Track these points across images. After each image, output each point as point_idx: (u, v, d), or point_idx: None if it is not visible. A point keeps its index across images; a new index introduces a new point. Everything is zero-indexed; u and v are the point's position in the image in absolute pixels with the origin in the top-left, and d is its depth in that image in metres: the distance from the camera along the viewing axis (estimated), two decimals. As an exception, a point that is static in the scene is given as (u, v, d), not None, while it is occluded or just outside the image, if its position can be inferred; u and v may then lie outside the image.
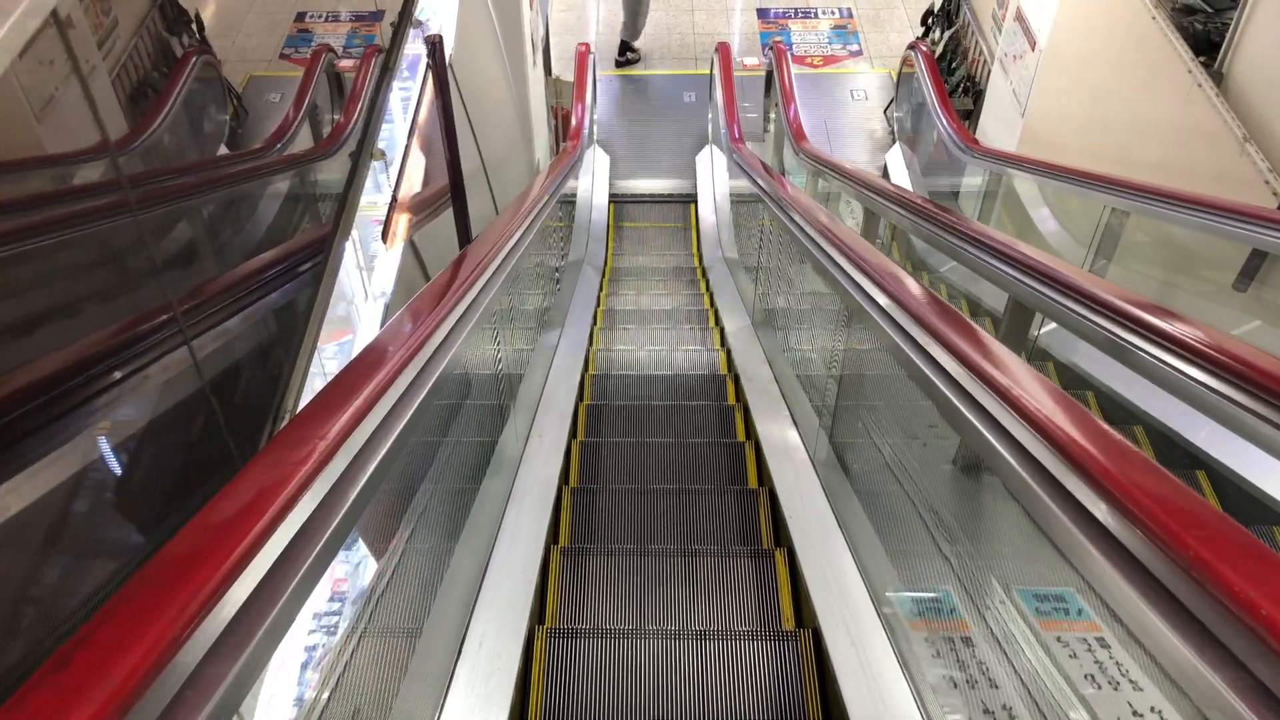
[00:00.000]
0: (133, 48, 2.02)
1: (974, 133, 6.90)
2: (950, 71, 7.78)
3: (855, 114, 9.13)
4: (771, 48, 7.85)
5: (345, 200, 2.52)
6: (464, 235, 3.74)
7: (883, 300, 2.34)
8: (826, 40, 9.95)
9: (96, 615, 0.77)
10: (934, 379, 1.82)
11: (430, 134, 3.59)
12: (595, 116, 8.62)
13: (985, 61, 7.30)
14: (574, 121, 6.87)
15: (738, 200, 7.20)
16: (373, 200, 2.98)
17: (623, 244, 7.48)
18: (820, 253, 2.98)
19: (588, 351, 4.69)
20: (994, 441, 1.46)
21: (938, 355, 1.82)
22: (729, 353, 4.81)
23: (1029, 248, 2.70)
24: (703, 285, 6.41)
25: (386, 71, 2.95)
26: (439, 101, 3.32)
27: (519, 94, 6.21)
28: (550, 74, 8.48)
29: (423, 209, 3.73)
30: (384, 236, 2.76)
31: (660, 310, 5.70)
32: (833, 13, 10.33)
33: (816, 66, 9.63)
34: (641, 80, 9.53)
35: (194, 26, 2.40)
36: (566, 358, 4.36)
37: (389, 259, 3.34)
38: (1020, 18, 6.36)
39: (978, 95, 7.43)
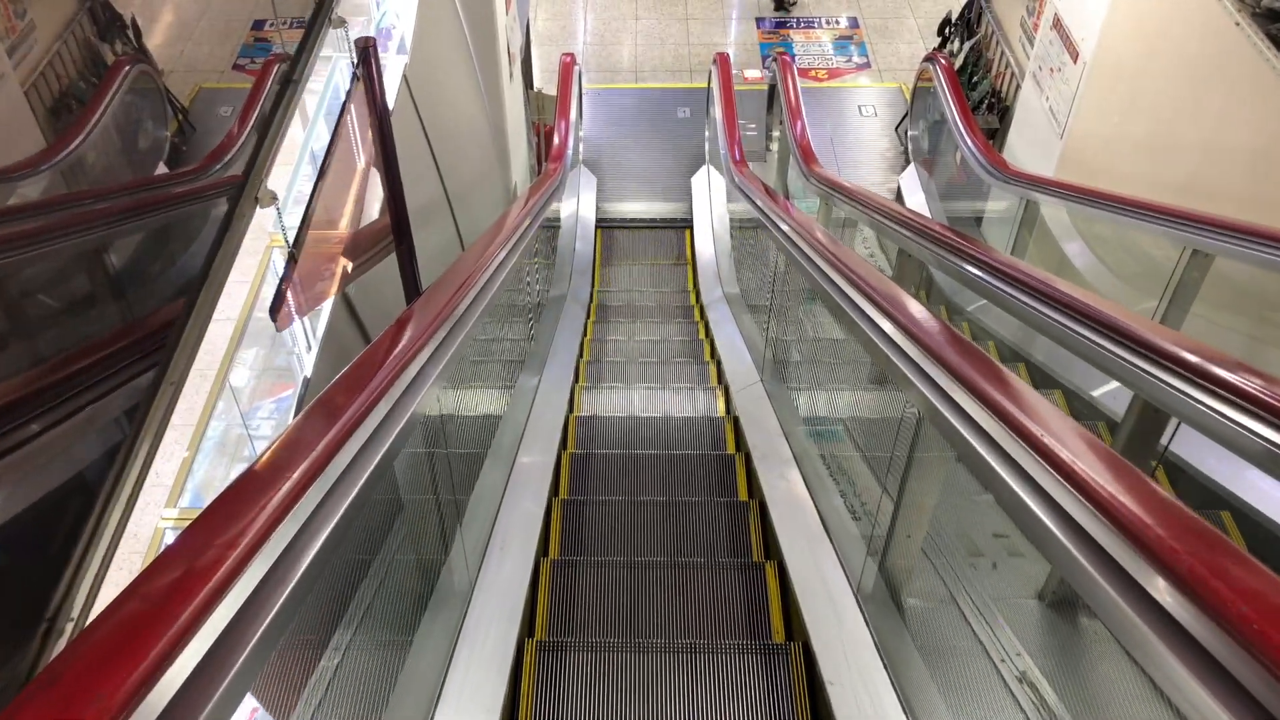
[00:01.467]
0: (54, 55, 1.88)
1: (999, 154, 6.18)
2: (971, 86, 7.07)
3: (863, 131, 8.41)
4: (775, 59, 7.13)
5: (211, 263, 1.76)
6: (411, 285, 2.98)
7: (968, 404, 1.60)
8: (831, 52, 9.25)
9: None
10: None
11: (364, 162, 2.83)
12: (581, 134, 7.88)
13: (1013, 75, 6.60)
14: (556, 141, 6.12)
15: (739, 226, 6.47)
16: (264, 259, 2.23)
17: (610, 277, 6.72)
18: (876, 332, 2.22)
19: (566, 419, 3.92)
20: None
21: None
22: (736, 421, 4.05)
23: (1169, 332, 1.96)
24: (701, 329, 5.65)
25: (290, 85, 2.21)
26: (374, 121, 2.56)
27: (493, 110, 5.46)
28: (532, 87, 7.74)
29: (357, 254, 2.97)
30: (274, 310, 2.00)
31: (652, 362, 4.94)
32: (837, 22, 9.63)
33: (821, 80, 8.92)
34: (631, 94, 8.80)
35: (130, 32, 2.15)
36: (539, 437, 3.58)
37: (297, 337, 2.59)
38: (1058, 26, 5.65)
39: (1004, 112, 6.72)
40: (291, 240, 2.10)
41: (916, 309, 2.12)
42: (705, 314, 5.70)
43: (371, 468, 1.46)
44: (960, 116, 6.38)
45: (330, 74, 3.15)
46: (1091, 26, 5.19)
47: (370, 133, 2.65)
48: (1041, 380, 4.68)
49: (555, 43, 9.54)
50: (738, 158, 6.04)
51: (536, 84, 8.32)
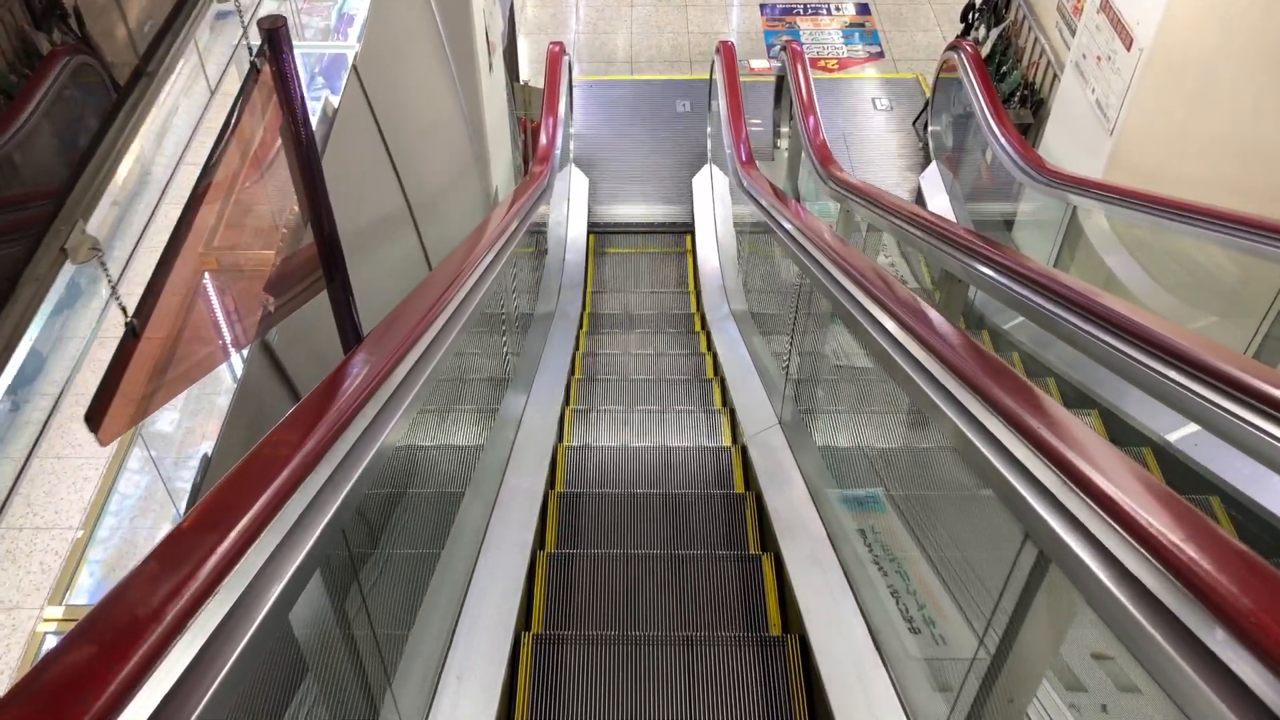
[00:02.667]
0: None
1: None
2: (999, 77, 6.43)
3: (877, 126, 7.77)
4: (784, 48, 6.48)
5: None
6: (348, 328, 2.35)
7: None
8: (841, 40, 8.60)
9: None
10: None
11: (276, 176, 2.20)
12: (572, 130, 7.23)
13: (1049, 65, 5.96)
14: (543, 140, 5.47)
15: (746, 230, 5.84)
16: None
17: (604, 289, 6.08)
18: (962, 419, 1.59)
19: (545, 497, 3.28)
20: None
21: None
22: (753, 477, 3.42)
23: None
24: (707, 354, 5.01)
25: (139, 81, 1.58)
26: (288, 124, 1.93)
27: (469, 106, 4.82)
28: (518, 80, 7.08)
29: (278, 292, 2.34)
30: (93, 421, 1.36)
31: (651, 401, 4.31)
32: (847, 8, 8.97)
33: (831, 70, 8.27)
34: (627, 87, 8.15)
35: (71, 21, 1.89)
36: (516, 508, 2.95)
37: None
38: (1107, 9, 5.01)
39: (1038, 106, 6.08)
40: (137, 304, 1.46)
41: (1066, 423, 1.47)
42: (710, 334, 5.06)
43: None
44: (991, 111, 5.75)
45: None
46: (1150, 9, 4.55)
47: (283, 140, 2.02)
48: (1076, 399, 4.07)
49: (545, 31, 8.88)
50: (744, 158, 5.40)
51: (523, 76, 7.66)
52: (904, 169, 7.38)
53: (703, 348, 5.31)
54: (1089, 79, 5.25)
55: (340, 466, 1.36)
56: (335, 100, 3.11)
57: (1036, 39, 6.15)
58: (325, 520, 1.24)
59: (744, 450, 3.78)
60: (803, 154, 6.23)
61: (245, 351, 2.38)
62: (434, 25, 4.41)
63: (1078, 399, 4.01)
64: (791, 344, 3.53)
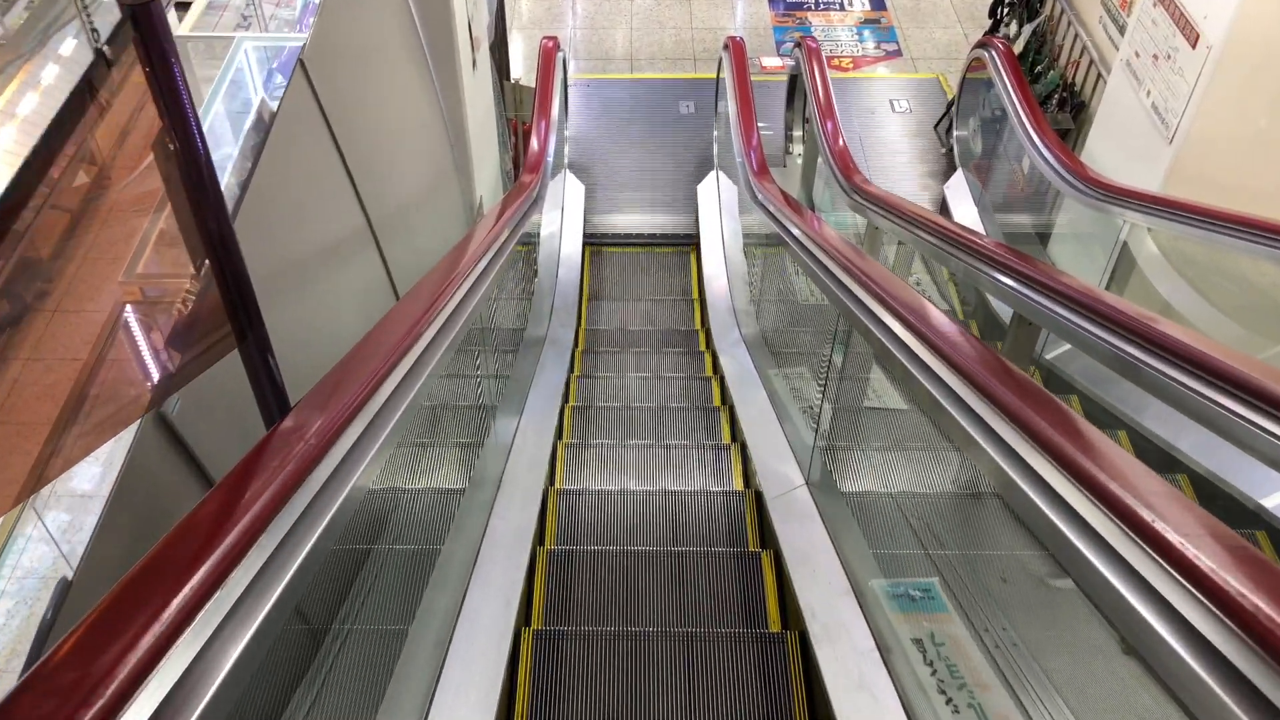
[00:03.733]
0: None
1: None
2: (1033, 78, 5.88)
3: (895, 130, 7.22)
4: (799, 45, 5.93)
5: None
6: (268, 393, 1.80)
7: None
8: (855, 37, 8.04)
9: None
10: None
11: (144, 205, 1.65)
12: (567, 133, 6.68)
13: (1092, 64, 5.41)
14: (533, 145, 4.92)
15: (757, 244, 5.29)
16: None
17: (600, 306, 5.53)
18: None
19: (533, 556, 2.73)
20: None
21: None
22: (771, 538, 2.88)
23: None
24: (713, 377, 4.46)
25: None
26: (166, 134, 1.38)
27: (449, 107, 4.26)
28: (509, 78, 6.53)
29: (191, 342, 1.79)
30: None
31: (652, 434, 3.75)
32: (861, 3, 8.42)
33: (845, 70, 7.72)
34: (626, 86, 7.59)
35: None
36: (497, 580, 2.40)
37: None
38: (1166, 2, 4.46)
39: (1078, 109, 5.53)
40: None
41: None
42: (720, 367, 4.50)
43: None
44: (1027, 114, 5.20)
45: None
46: (1220, 2, 4.00)
47: (155, 156, 1.47)
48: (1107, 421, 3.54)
49: (539, 26, 8.32)
50: (756, 167, 4.84)
51: (516, 74, 7.11)
52: (925, 176, 6.83)
53: (708, 370, 4.76)
54: (1143, 80, 4.70)
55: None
56: (275, 102, 2.55)
57: (1077, 36, 5.60)
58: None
59: (758, 497, 3.23)
60: (819, 161, 5.68)
61: (133, 430, 1.82)
62: (409, 17, 3.86)
63: (1148, 451, 3.47)
64: (823, 393, 2.97)
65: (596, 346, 4.99)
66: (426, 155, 4.12)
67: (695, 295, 5.73)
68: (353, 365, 1.75)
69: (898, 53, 7.88)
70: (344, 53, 3.02)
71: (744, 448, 3.64)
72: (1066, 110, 5.54)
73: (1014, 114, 5.35)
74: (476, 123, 4.66)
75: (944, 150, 6.92)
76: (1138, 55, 4.75)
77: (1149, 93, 4.64)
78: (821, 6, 8.36)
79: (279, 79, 2.68)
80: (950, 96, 7.28)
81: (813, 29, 8.13)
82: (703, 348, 5.05)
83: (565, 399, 4.21)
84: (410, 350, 1.86)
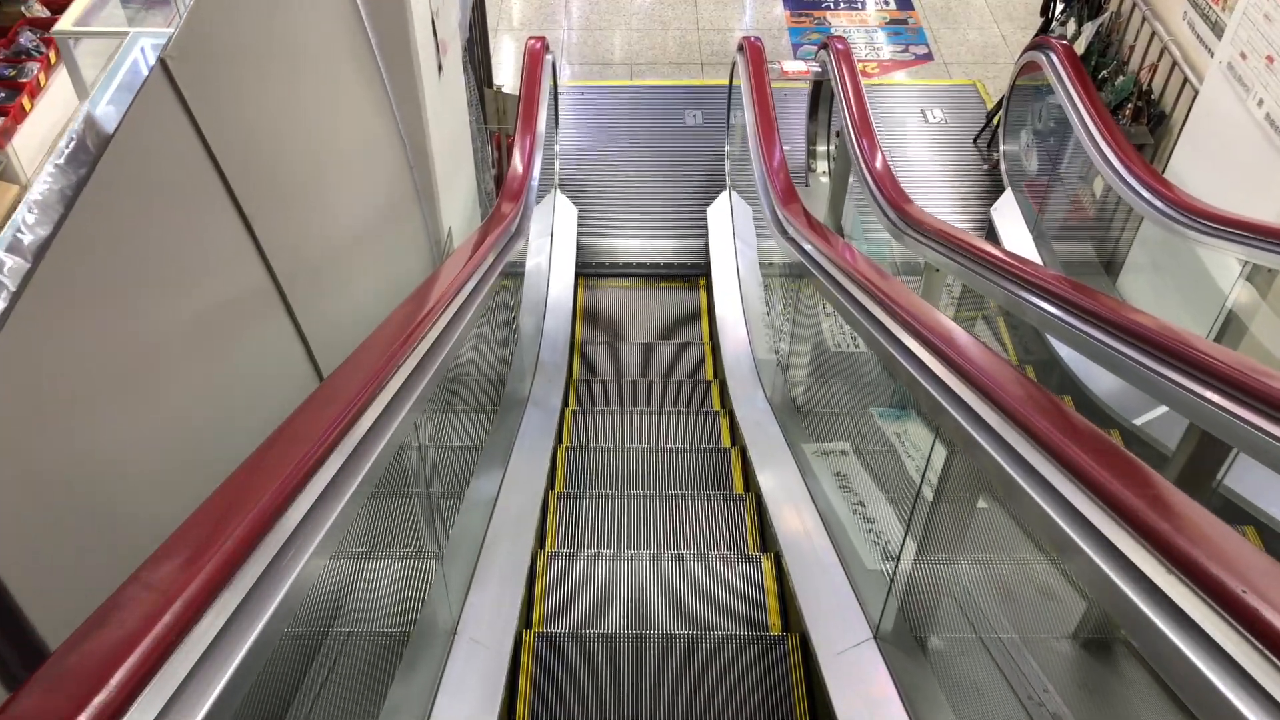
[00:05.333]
0: None
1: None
2: (1098, 84, 5.06)
3: (929, 143, 6.40)
4: (825, 46, 5.12)
5: None
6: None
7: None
8: (882, 39, 7.23)
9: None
10: None
11: None
12: (557, 149, 5.85)
13: (1175, 67, 4.59)
14: (516, 165, 4.10)
15: (778, 275, 4.48)
16: None
17: (595, 356, 4.70)
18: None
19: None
20: None
21: None
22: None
23: None
24: (733, 449, 3.62)
25: None
26: None
27: (407, 121, 3.43)
28: (491, 85, 5.70)
29: None
30: None
31: (660, 539, 2.92)
32: (886, 2, 7.61)
33: (870, 75, 6.90)
34: (625, 94, 6.77)
35: None
36: None
37: None
38: (1287, -9, 3.64)
39: (1158, 121, 4.70)
40: None
41: None
42: (741, 437, 3.66)
43: None
44: (1099, 128, 4.40)
45: None
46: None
47: None
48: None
49: (530, 28, 7.52)
50: (781, 191, 4.00)
51: (503, 81, 6.28)
52: (965, 197, 6.01)
53: (724, 437, 3.93)
54: (1251, 86, 3.88)
55: None
56: (113, 122, 1.71)
57: (1153, 35, 4.78)
58: None
59: (805, 647, 2.40)
60: (853, 183, 4.86)
61: None
62: (352, 11, 3.04)
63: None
64: (907, 529, 2.13)
65: (590, 404, 4.16)
66: (376, 180, 3.29)
67: (706, 339, 4.90)
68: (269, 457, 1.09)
69: (928, 56, 7.07)
70: (243, 53, 2.20)
71: (779, 560, 2.80)
72: (1143, 122, 4.71)
73: (1081, 127, 4.53)
74: (444, 138, 3.82)
75: (986, 167, 6.10)
76: (1244, 57, 3.93)
77: (1261, 102, 3.81)
78: (842, 5, 7.55)
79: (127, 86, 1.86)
80: (990, 106, 6.47)
81: (832, 30, 7.31)
82: (717, 407, 4.21)
83: (550, 481, 3.38)
84: (319, 472, 1.12)
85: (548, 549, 2.96)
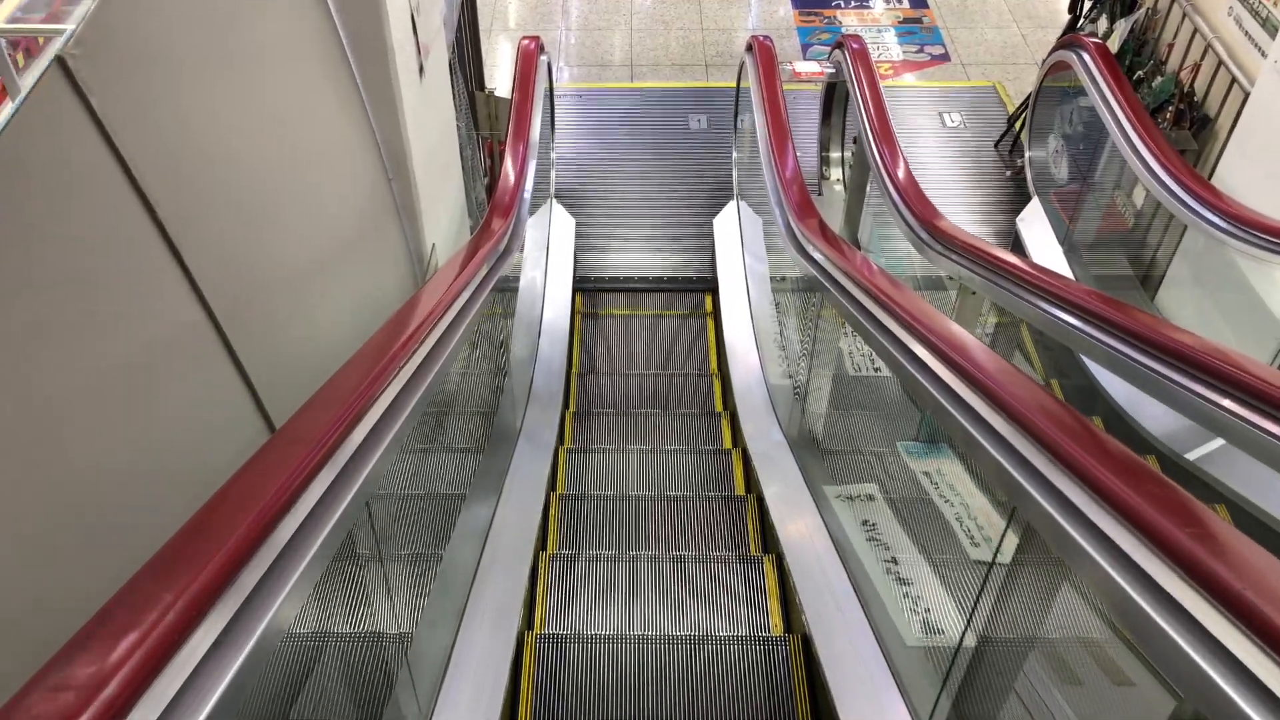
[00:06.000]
0: None
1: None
2: (1133, 85, 4.70)
3: (946, 148, 6.05)
4: (840, 45, 4.78)
5: None
6: None
7: None
8: (895, 39, 6.88)
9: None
10: None
11: None
12: (554, 156, 5.51)
13: (1221, 67, 4.24)
14: (508, 176, 3.76)
15: (792, 290, 4.15)
16: None
17: (593, 373, 4.36)
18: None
19: None
20: None
21: None
22: None
23: None
24: (752, 520, 3.26)
25: None
26: None
27: (385, 130, 3.08)
28: (481, 88, 5.36)
29: None
30: None
31: (671, 604, 2.57)
32: (899, 0, 7.27)
33: (884, 77, 6.54)
34: (625, 97, 6.43)
35: None
36: None
37: None
38: (1357, -18, 3.29)
39: (1201, 125, 4.35)
40: None
41: None
42: (757, 483, 3.30)
43: None
44: (1139, 132, 4.07)
45: None
46: None
47: None
48: None
49: (525, 28, 7.18)
50: (797, 206, 3.64)
51: (495, 84, 5.94)
52: (987, 206, 5.66)
53: (738, 481, 3.58)
54: (1313, 88, 3.54)
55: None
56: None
57: (1195, 32, 4.43)
58: None
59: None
60: (872, 191, 4.52)
61: None
62: (320, 8, 2.69)
63: None
64: (973, 609, 1.78)
65: (588, 442, 3.81)
66: (348, 194, 2.94)
67: (714, 366, 4.55)
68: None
69: (944, 57, 6.72)
70: (174, 50, 1.85)
71: (809, 645, 2.44)
72: (1186, 126, 4.36)
73: (1118, 130, 4.20)
74: (427, 147, 3.48)
75: (1009, 174, 5.75)
76: (1305, 55, 3.58)
77: (1325, 105, 3.47)
78: (853, 4, 7.20)
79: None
80: (1011, 109, 6.13)
81: (843, 30, 6.97)
82: (728, 444, 3.86)
83: (543, 536, 3.03)
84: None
85: (536, 629, 2.60)
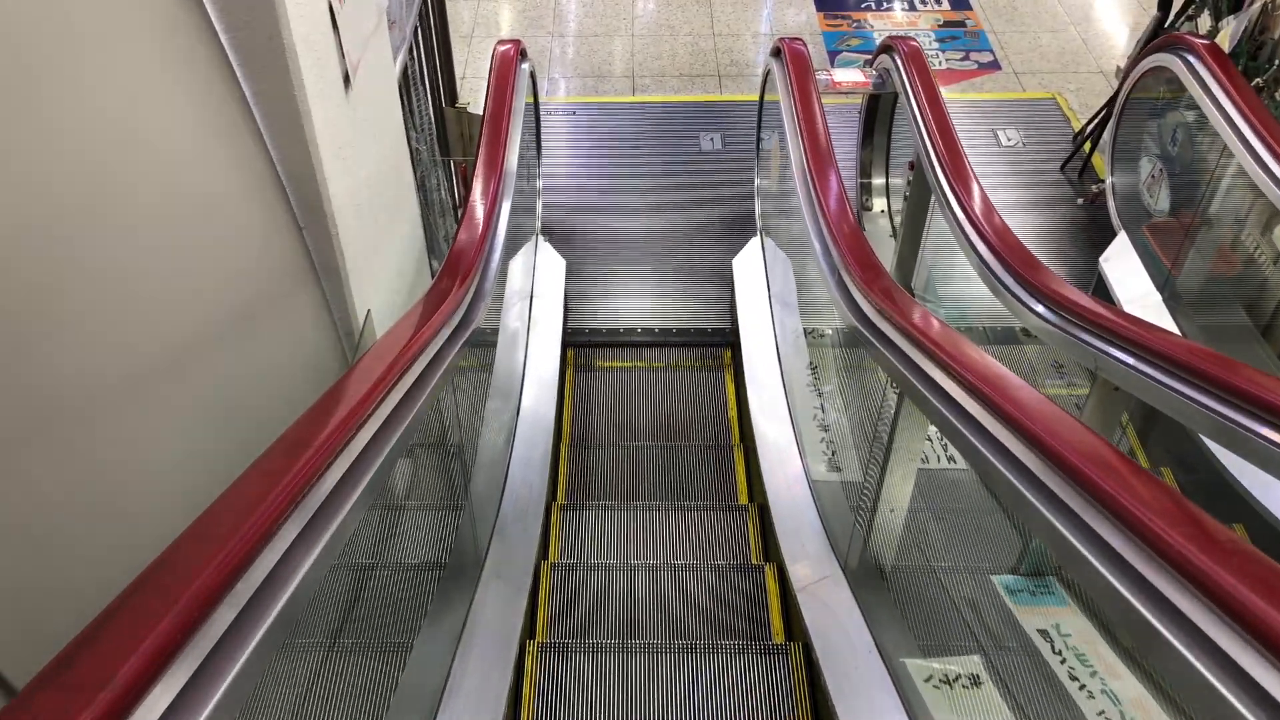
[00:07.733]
0: None
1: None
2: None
3: (1003, 171, 5.17)
4: (889, 49, 3.90)
5: None
6: None
7: None
8: (937, 45, 6.01)
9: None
10: None
11: None
12: (540, 184, 4.62)
13: (1382, 73, 3.34)
14: (473, 217, 2.86)
15: (830, 345, 3.25)
16: None
17: (585, 476, 3.46)
18: None
19: None
20: None
21: None
22: None
23: None
24: (797, 676, 2.35)
25: None
26: None
27: (291, 163, 2.20)
28: (453, 104, 4.48)
29: None
30: None
31: None
32: (937, 1, 6.40)
33: (924, 88, 5.65)
34: (626, 113, 5.55)
35: None
36: None
37: None
38: None
39: (1350, 146, 3.45)
40: None
41: None
42: (815, 659, 2.38)
43: None
44: (1275, 151, 3.18)
45: None
46: None
47: None
48: None
49: (514, 34, 6.30)
50: (856, 261, 2.71)
51: (464, 99, 5.06)
52: (1055, 238, 4.77)
53: (774, 620, 2.68)
54: None
55: None
56: None
57: (1337, 30, 3.55)
58: None
59: None
60: (930, 216, 3.64)
61: None
62: (187, 10, 1.81)
63: None
64: None
65: (578, 555, 2.90)
66: (229, 252, 2.06)
67: (736, 439, 3.64)
68: None
69: (994, 65, 5.84)
70: None
71: None
72: (1328, 147, 3.47)
73: (1247, 152, 3.32)
74: (357, 184, 2.58)
75: (1080, 202, 4.86)
76: None
77: None
78: (885, 5, 6.33)
79: None
80: (1078, 126, 5.25)
81: (874, 35, 6.10)
82: (756, 558, 2.95)
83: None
84: None
85: None
